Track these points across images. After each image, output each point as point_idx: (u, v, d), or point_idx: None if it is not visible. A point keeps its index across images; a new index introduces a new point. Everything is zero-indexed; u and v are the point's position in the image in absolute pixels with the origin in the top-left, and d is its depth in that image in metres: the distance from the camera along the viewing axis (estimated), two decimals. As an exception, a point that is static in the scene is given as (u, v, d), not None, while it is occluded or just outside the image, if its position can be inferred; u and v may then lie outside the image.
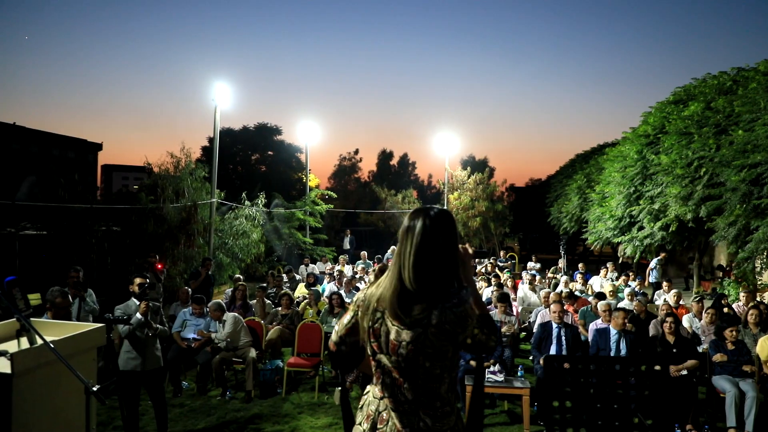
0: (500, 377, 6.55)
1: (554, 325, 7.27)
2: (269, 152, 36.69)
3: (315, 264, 16.77)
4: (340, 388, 7.39)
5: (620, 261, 18.66)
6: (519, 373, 6.93)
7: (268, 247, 16.92)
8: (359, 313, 2.29)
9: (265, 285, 10.53)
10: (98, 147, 54.68)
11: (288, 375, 7.75)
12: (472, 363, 7.13)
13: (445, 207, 22.37)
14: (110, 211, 11.46)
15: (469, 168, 23.55)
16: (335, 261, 18.52)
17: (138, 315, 5.63)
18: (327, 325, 8.36)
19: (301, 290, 11.62)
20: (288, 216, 18.19)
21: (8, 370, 2.53)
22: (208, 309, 7.80)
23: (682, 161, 10.02)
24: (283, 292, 9.33)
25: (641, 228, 12.23)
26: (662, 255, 12.49)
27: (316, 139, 22.09)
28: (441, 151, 22.09)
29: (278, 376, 7.77)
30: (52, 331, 2.93)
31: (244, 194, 15.34)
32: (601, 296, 9.36)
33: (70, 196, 11.99)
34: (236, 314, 7.68)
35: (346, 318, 2.40)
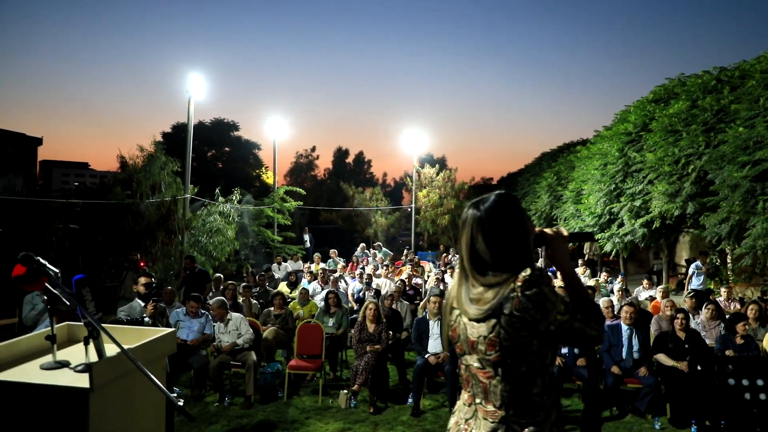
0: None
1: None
2: (226, 148, 35.80)
3: (286, 262, 16.37)
4: (345, 391, 7.11)
5: (586, 258, 18.97)
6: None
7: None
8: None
9: (249, 284, 10.10)
10: (38, 142, 52.34)
11: (287, 378, 7.41)
12: (579, 361, 6.96)
13: (413, 204, 22.40)
14: (83, 206, 10.79)
15: (437, 165, 23.51)
16: (306, 259, 18.13)
17: (146, 318, 5.20)
18: (324, 326, 8.03)
19: (282, 289, 11.23)
20: (256, 213, 17.67)
21: (86, 384, 2.16)
22: (204, 308, 7.37)
23: (669, 158, 10.13)
24: (276, 291, 8.94)
25: (621, 225, 12.35)
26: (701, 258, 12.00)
27: (284, 134, 21.62)
28: (399, 150, 22.07)
29: (279, 380, 7.40)
30: (118, 336, 2.55)
31: (218, 190, 14.81)
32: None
33: (28, 192, 11.24)
34: (240, 315, 7.27)
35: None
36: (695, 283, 11.59)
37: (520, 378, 1.88)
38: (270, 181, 36.51)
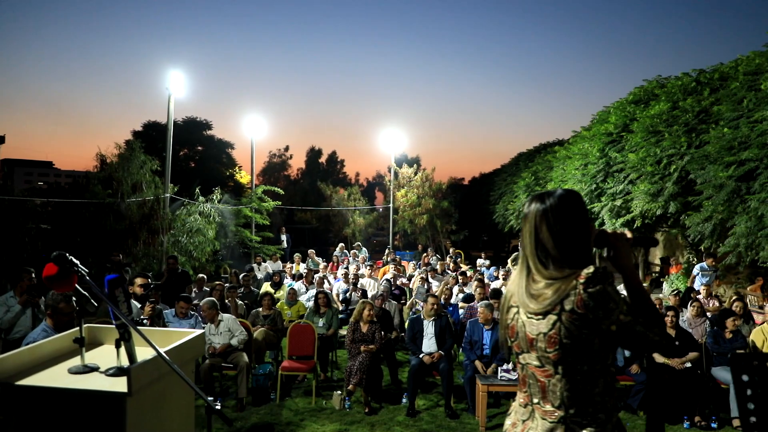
0: (514, 375, 6.40)
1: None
2: (198, 147, 35.27)
3: (266, 263, 16.19)
4: (339, 392, 7.04)
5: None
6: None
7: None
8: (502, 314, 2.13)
9: (233, 285, 9.94)
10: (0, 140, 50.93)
11: (279, 380, 7.30)
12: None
13: (391, 204, 22.35)
14: (54, 206, 10.47)
15: (415, 165, 23.53)
16: (285, 260, 17.96)
17: (144, 319, 5.07)
18: (314, 326, 7.94)
19: (266, 289, 11.09)
20: (234, 213, 17.44)
21: (123, 389, 2.07)
22: (192, 309, 7.22)
23: (651, 158, 10.29)
24: (264, 291, 8.82)
25: (602, 224, 12.51)
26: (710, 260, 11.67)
27: (262, 133, 21.39)
28: (372, 150, 22.09)
29: (270, 381, 7.29)
30: (168, 337, 2.46)
31: (198, 189, 14.56)
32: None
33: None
34: (232, 316, 7.14)
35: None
36: (698, 283, 11.54)
37: (582, 377, 1.85)
38: (244, 180, 36.12)
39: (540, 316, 1.87)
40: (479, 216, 24.64)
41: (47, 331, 4.26)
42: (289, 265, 13.96)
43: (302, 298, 10.13)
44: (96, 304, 2.32)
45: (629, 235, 1.98)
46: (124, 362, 2.31)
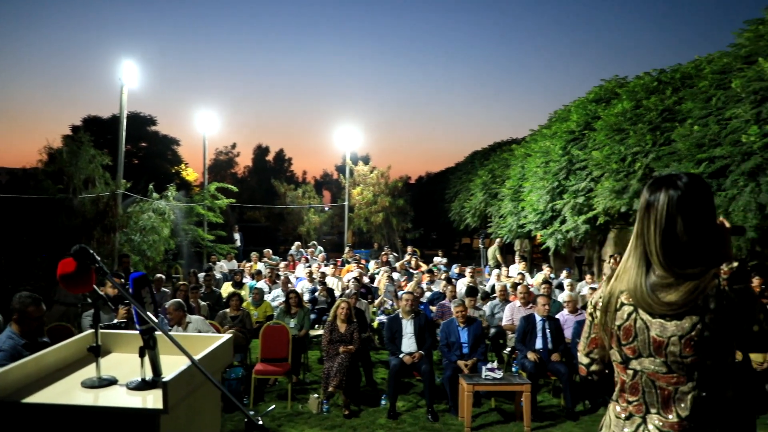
0: (499, 374, 6.29)
1: (538, 318, 7.15)
2: (142, 143, 33.96)
3: (220, 262, 15.69)
4: (316, 395, 6.77)
5: (517, 254, 19.42)
6: (514, 369, 6.72)
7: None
8: (599, 316, 1.89)
9: (195, 285, 9.50)
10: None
11: (252, 383, 6.97)
12: (554, 357, 6.88)
13: (346, 202, 22.10)
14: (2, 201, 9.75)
15: (371, 163, 23.34)
16: (240, 258, 17.46)
17: (115, 321, 4.66)
18: (287, 327, 7.63)
19: (228, 289, 10.67)
20: (186, 211, 16.80)
21: (159, 405, 1.78)
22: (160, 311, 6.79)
23: (616, 156, 10.43)
24: (232, 292, 8.43)
25: (563, 221, 12.65)
26: None
27: (215, 129, 20.74)
28: (320, 148, 21.84)
29: (243, 386, 6.95)
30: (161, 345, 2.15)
31: (151, 186, 13.91)
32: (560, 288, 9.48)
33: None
34: (201, 317, 6.75)
35: (585, 329, 2.01)
36: None
37: (716, 384, 1.68)
38: (190, 178, 35.07)
39: (675, 317, 1.67)
40: (433, 214, 24.69)
41: (13, 338, 3.84)
42: (247, 264, 13.52)
43: (267, 298, 9.78)
44: (113, 307, 2.01)
45: (727, 224, 1.81)
46: (149, 374, 2.01)
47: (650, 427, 1.73)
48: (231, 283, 10.94)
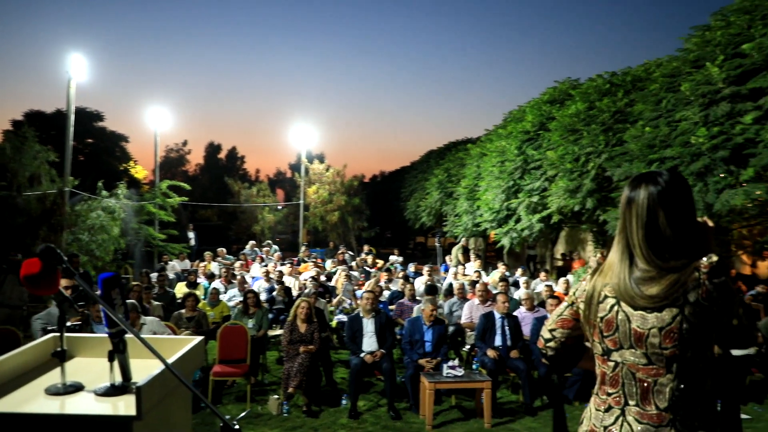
0: (460, 372, 6.34)
1: (497, 316, 7.23)
2: (88, 140, 32.83)
3: (173, 262, 15.33)
4: (276, 396, 6.68)
5: (472, 253, 19.66)
6: (474, 366, 6.78)
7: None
8: (581, 308, 1.93)
9: (149, 286, 9.25)
10: None
11: (210, 386, 6.82)
12: (513, 353, 6.95)
13: (301, 201, 21.89)
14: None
15: (326, 161, 23.21)
16: (192, 258, 17.09)
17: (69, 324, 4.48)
18: (245, 327, 7.50)
19: (182, 289, 10.43)
20: (136, 209, 16.34)
21: (132, 411, 1.71)
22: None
23: (570, 156, 10.66)
24: (188, 292, 8.23)
25: (518, 220, 12.86)
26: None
27: (167, 126, 20.24)
28: (274, 146, 21.63)
29: (200, 388, 6.79)
30: (140, 348, 2.06)
31: (100, 183, 13.43)
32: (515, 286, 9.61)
33: None
34: (156, 318, 6.55)
35: (559, 309, 2.05)
36: None
37: (695, 376, 1.71)
38: (139, 175, 34.13)
39: (656, 309, 1.70)
40: (389, 213, 24.75)
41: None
42: (201, 264, 13.24)
43: (223, 298, 9.60)
44: (78, 310, 1.92)
45: (710, 223, 1.86)
46: (118, 378, 1.92)
47: (629, 418, 1.76)
48: (185, 283, 10.69)
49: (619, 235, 1.84)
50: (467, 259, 15.10)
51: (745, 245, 13.59)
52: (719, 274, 1.68)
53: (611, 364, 1.82)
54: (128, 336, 1.88)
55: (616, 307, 1.78)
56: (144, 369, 2.00)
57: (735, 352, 6.72)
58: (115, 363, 1.91)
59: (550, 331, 2.06)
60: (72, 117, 12.15)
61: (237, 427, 1.95)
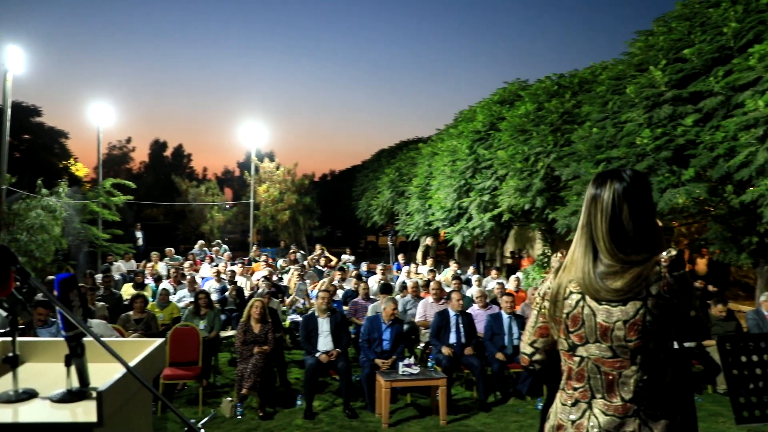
0: (416, 370, 6.36)
1: (452, 313, 7.30)
2: (25, 136, 31.46)
3: (118, 262, 14.86)
4: (229, 398, 6.56)
5: (421, 251, 19.82)
6: (429, 364, 6.82)
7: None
8: (546, 306, 1.96)
9: (93, 287, 8.94)
10: None
11: (161, 389, 6.64)
12: (467, 350, 7.01)
13: (251, 200, 21.57)
14: None
15: (277, 160, 22.93)
16: (138, 258, 16.61)
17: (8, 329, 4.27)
18: (197, 329, 7.33)
19: (129, 291, 10.12)
20: (79, 208, 15.74)
21: (92, 418, 1.63)
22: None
23: (520, 156, 10.87)
24: (136, 293, 7.99)
25: (470, 219, 13.03)
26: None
27: (110, 122, 19.59)
28: (221, 144, 21.29)
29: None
30: (91, 351, 1.98)
31: (39, 181, 12.86)
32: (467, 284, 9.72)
33: None
34: (103, 321, 6.33)
35: (531, 320, 2.07)
36: None
37: (657, 367, 1.77)
38: (80, 173, 32.96)
39: (620, 303, 1.75)
40: (340, 212, 24.68)
41: None
42: (148, 264, 12.88)
43: (172, 299, 9.37)
44: (31, 313, 1.83)
45: (660, 223, 1.94)
46: (75, 384, 1.84)
47: (596, 411, 1.80)
48: (131, 284, 10.38)
49: (582, 230, 1.88)
50: (411, 257, 15.21)
51: (684, 243, 14.16)
52: (678, 267, 1.75)
53: (577, 359, 1.85)
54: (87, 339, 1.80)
55: (581, 303, 1.82)
56: (99, 373, 1.92)
57: (685, 345, 7.04)
58: (72, 368, 1.82)
59: (531, 344, 2.05)
60: (9, 112, 11.59)
61: (202, 430, 1.90)
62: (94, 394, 1.64)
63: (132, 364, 1.88)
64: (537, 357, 2.05)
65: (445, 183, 13.65)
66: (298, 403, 6.79)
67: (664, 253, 1.77)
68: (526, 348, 2.08)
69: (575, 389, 1.86)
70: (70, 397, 1.81)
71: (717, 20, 7.58)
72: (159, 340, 2.10)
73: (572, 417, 1.85)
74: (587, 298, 1.81)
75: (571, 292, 1.85)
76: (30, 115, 31.86)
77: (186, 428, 1.89)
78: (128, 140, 46.44)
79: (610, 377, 1.78)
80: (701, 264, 14.10)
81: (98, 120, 18.43)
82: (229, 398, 6.57)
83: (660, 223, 1.94)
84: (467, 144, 12.99)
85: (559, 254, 11.20)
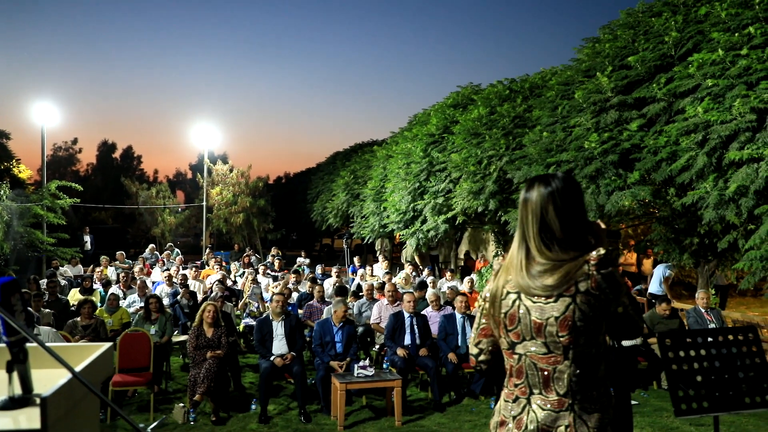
0: (371, 372, 6.38)
1: (407, 315, 7.35)
2: (-38, 137, 30.16)
3: (64, 267, 14.40)
4: (181, 404, 6.45)
5: (378, 254, 19.87)
6: (384, 366, 6.85)
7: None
8: (487, 307, 2.05)
9: (39, 293, 8.64)
10: None
11: (110, 396, 6.46)
12: (422, 351, 7.08)
13: (204, 203, 21.23)
14: None
15: (230, 162, 22.60)
16: (85, 263, 16.15)
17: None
18: (148, 334, 7.17)
19: (75, 296, 9.83)
20: (21, 211, 15.17)
21: (36, 425, 1.59)
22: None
23: (473, 159, 11.03)
24: (84, 299, 7.76)
25: (425, 221, 13.14)
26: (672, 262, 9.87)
27: (55, 122, 18.97)
28: (173, 146, 20.93)
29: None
30: (36, 358, 1.92)
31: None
32: (423, 286, 9.80)
33: None
34: (52, 329, 6.13)
35: (476, 322, 2.16)
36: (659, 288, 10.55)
37: (589, 361, 1.84)
38: (23, 175, 31.75)
39: (551, 299, 1.83)
40: (295, 215, 24.52)
41: None
42: (97, 269, 12.52)
43: (122, 304, 9.14)
44: (-29, 318, 1.77)
45: (603, 225, 2.02)
46: (17, 390, 1.78)
47: (534, 406, 1.88)
48: (78, 289, 10.08)
49: (518, 230, 1.99)
50: (366, 260, 15.26)
51: (631, 243, 14.62)
52: (607, 265, 1.84)
53: (516, 356, 1.93)
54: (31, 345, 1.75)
55: (517, 302, 1.91)
56: (44, 380, 1.87)
57: (625, 343, 7.26)
58: (15, 374, 1.77)
59: (476, 345, 2.13)
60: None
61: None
62: (38, 401, 1.60)
63: (78, 369, 1.84)
64: (482, 357, 2.12)
65: (399, 185, 13.71)
66: (253, 407, 6.73)
67: (594, 253, 1.85)
68: (472, 349, 2.16)
69: (516, 386, 1.94)
70: (12, 404, 1.76)
71: (659, 29, 7.88)
72: (107, 345, 2.06)
73: (513, 413, 1.92)
74: (523, 296, 1.89)
75: (508, 293, 1.94)
76: (-31, 115, 30.58)
77: (135, 433, 1.86)
78: (74, 141, 45.02)
79: (546, 373, 1.86)
80: (647, 264, 14.58)
81: (42, 120, 17.81)
82: (182, 404, 6.45)
83: (603, 225, 2.03)
84: (422, 147, 13.09)
85: (500, 257, 11.42)
